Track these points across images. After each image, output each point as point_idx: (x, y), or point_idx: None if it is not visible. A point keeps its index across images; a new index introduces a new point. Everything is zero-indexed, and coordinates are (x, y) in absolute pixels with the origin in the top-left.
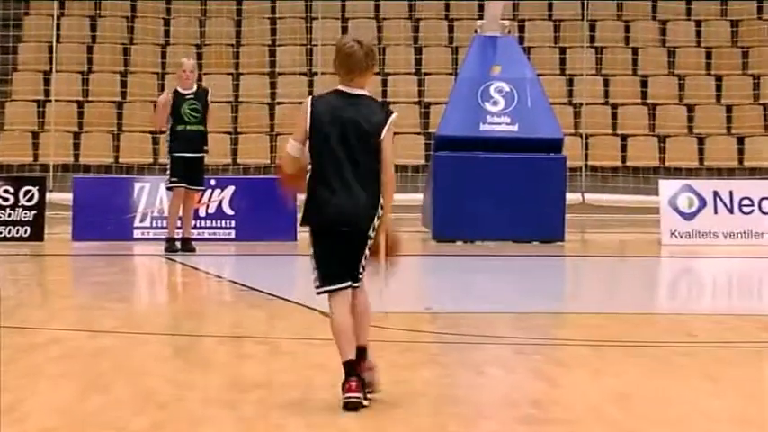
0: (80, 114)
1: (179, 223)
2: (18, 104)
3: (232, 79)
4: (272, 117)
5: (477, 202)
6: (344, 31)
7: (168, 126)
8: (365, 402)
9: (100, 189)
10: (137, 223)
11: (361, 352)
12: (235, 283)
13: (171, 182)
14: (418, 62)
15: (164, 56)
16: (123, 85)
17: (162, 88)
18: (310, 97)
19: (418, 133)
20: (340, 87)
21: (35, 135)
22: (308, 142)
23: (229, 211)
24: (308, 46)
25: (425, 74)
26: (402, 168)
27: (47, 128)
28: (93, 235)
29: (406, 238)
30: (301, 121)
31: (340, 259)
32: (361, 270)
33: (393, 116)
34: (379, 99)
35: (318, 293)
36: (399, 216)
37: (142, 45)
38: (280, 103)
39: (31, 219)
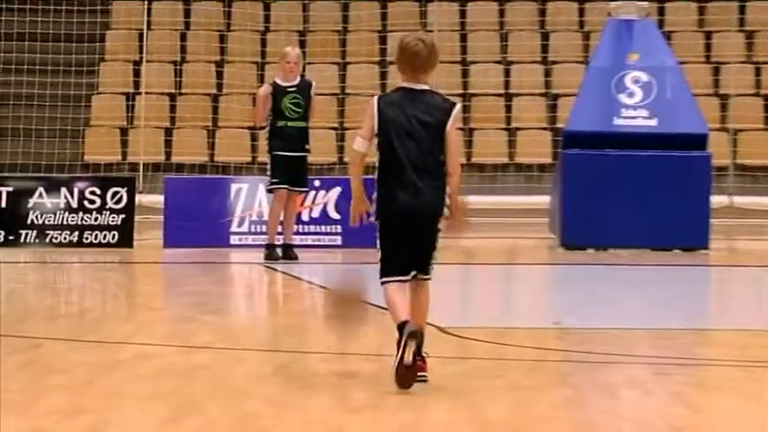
0: (172, 108)
1: (280, 228)
2: (105, 98)
3: (338, 69)
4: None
5: (611, 205)
6: (462, 15)
7: (268, 122)
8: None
9: (193, 190)
10: (233, 228)
11: (415, 332)
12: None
13: (271, 183)
14: (545, 49)
15: (263, 44)
16: (219, 76)
17: (261, 80)
18: (376, 96)
19: (544, 128)
20: (404, 84)
21: (123, 131)
22: (374, 140)
23: (335, 215)
24: (423, 31)
25: (553, 62)
26: (526, 168)
27: (136, 123)
28: (185, 241)
29: (531, 246)
30: (368, 119)
31: (404, 252)
32: (430, 263)
33: (457, 107)
34: (502, 90)
35: (382, 284)
36: (523, 220)
37: (240, 32)
38: None
39: (119, 223)
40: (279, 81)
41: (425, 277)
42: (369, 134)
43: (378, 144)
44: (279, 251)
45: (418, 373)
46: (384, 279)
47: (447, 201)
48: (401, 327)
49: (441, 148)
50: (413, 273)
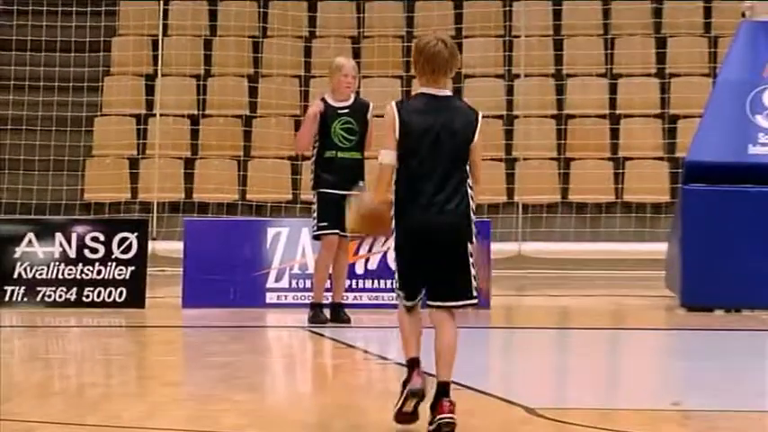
0: (194, 134)
1: (328, 284)
2: (111, 121)
3: (401, 84)
4: None
5: (745, 254)
6: (557, 16)
7: (313, 151)
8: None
9: (220, 236)
10: (270, 284)
11: (443, 388)
12: (403, 365)
13: (318, 227)
14: (660, 59)
15: (308, 53)
16: (252, 93)
17: (305, 97)
18: (393, 103)
19: (660, 158)
20: (425, 90)
21: (133, 162)
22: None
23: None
24: (507, 38)
25: (671, 75)
26: (637, 208)
27: (149, 153)
28: (210, 299)
29: (642, 306)
30: (389, 130)
31: (419, 275)
32: (457, 291)
33: (481, 115)
34: (606, 110)
35: (406, 306)
36: (633, 273)
37: (278, 38)
38: None
39: (127, 277)
40: (329, 99)
41: (450, 305)
42: (394, 145)
43: (399, 156)
44: (327, 312)
45: (444, 415)
46: (402, 302)
47: (474, 226)
48: (410, 363)
49: (466, 159)
50: (436, 303)
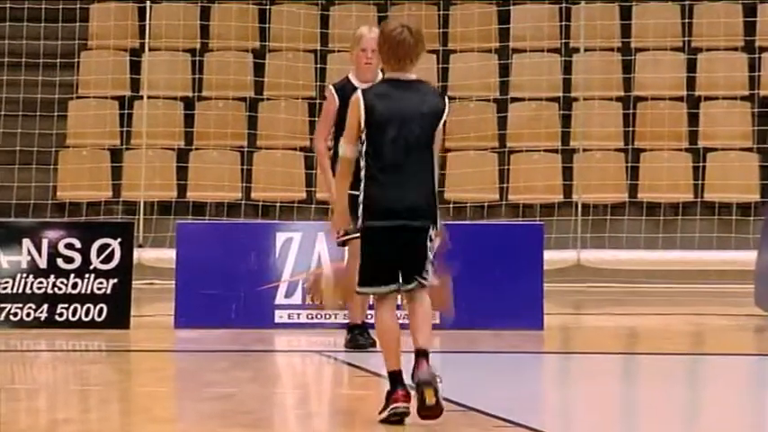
0: (188, 120)
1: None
2: (89, 104)
3: (438, 61)
4: (502, 123)
5: None
6: None
7: (331, 143)
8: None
9: (219, 242)
10: (279, 299)
11: (422, 353)
12: (443, 399)
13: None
14: (749, 30)
15: (324, 22)
16: (258, 71)
17: (321, 77)
18: (359, 90)
19: (748, 149)
20: (390, 75)
21: (116, 154)
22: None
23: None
24: (563, 4)
25: (761, 49)
26: (720, 209)
27: (134, 142)
28: (207, 318)
29: (726, 326)
30: (353, 118)
31: (393, 260)
32: (427, 270)
33: (448, 102)
34: (683, 92)
35: (359, 293)
36: (715, 287)
37: (289, 4)
38: (515, 100)
39: (108, 291)
40: (353, 79)
41: (422, 282)
42: (355, 137)
43: (366, 142)
44: (364, 336)
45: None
46: (363, 290)
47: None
48: (393, 376)
49: (432, 143)
50: (407, 285)
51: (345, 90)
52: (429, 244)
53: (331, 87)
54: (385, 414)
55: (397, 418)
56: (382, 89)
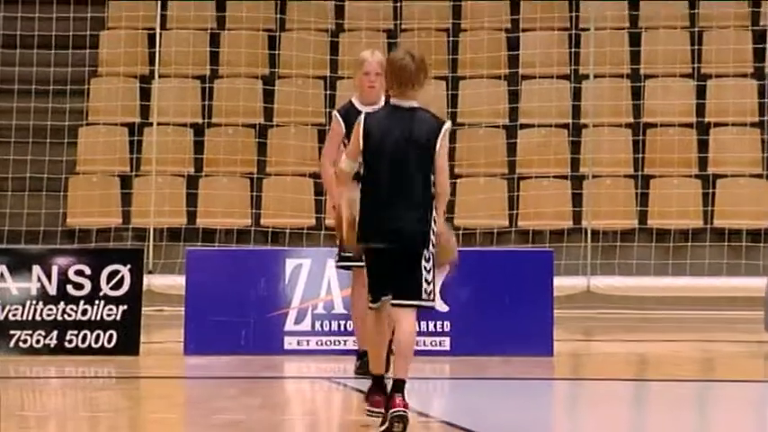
0: (197, 147)
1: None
2: (99, 131)
3: (447, 87)
4: (512, 149)
5: None
6: (633, 5)
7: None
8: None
9: (229, 269)
10: (289, 326)
11: (397, 385)
12: (451, 425)
13: (341, 257)
14: (759, 56)
15: (334, 49)
16: (268, 97)
17: (331, 103)
18: (364, 113)
19: (758, 176)
20: (393, 101)
21: (125, 180)
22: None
23: (442, 307)
24: (573, 31)
25: None
26: (730, 235)
27: (144, 169)
28: (217, 345)
29: (737, 353)
30: (354, 139)
31: (385, 276)
32: (418, 289)
33: (447, 125)
34: (692, 118)
35: (370, 308)
36: (725, 314)
37: (299, 32)
38: (524, 126)
39: (118, 318)
40: (356, 103)
41: (405, 303)
42: (355, 153)
43: (363, 165)
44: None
45: (397, 409)
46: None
47: (432, 233)
48: (375, 378)
49: (429, 168)
50: (395, 301)
51: (350, 114)
52: (424, 264)
53: (336, 114)
54: (366, 406)
55: (372, 417)
56: (382, 115)
